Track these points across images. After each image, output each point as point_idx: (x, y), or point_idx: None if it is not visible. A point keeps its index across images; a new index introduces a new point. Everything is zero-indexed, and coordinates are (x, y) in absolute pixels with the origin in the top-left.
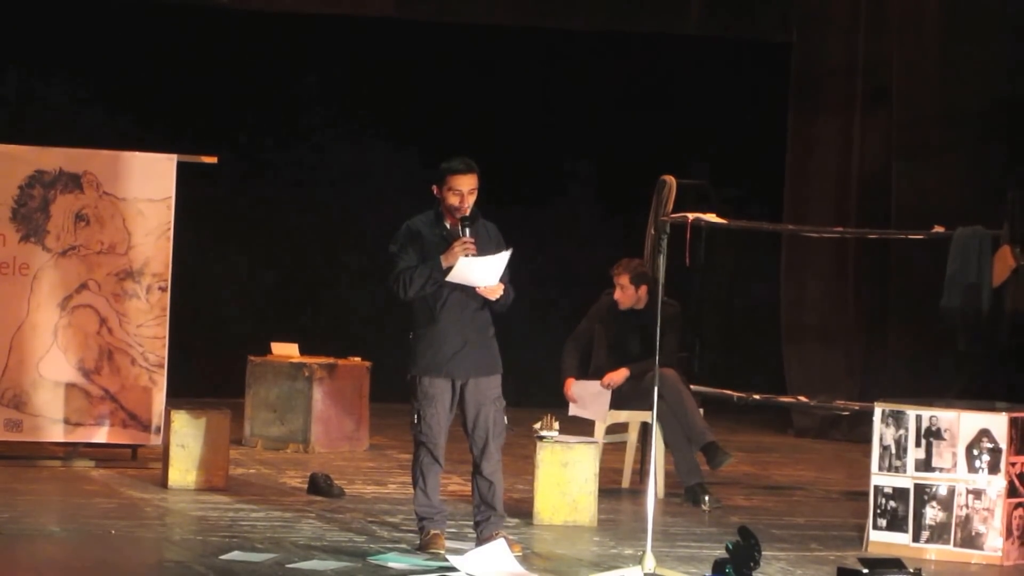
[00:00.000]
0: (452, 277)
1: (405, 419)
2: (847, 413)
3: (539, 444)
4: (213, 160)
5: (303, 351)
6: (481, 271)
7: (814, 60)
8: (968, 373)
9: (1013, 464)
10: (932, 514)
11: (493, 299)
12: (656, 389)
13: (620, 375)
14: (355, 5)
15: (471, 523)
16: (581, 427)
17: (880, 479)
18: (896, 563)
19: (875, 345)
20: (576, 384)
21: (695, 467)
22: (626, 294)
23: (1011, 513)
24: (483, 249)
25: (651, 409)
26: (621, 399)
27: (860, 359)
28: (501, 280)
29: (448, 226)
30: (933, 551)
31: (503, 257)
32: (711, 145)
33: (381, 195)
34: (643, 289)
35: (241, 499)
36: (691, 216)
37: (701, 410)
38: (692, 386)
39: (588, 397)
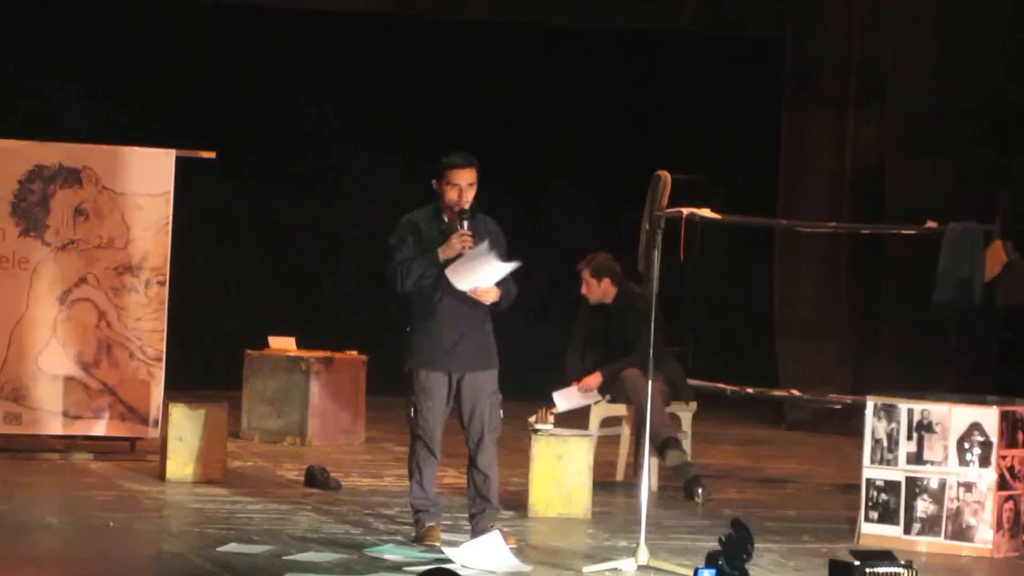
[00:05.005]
0: (450, 273)
1: (401, 412)
2: (839, 407)
3: (534, 437)
4: (211, 155)
5: (300, 345)
6: (481, 271)
7: (808, 57)
8: (960, 367)
9: (1004, 457)
10: (923, 507)
11: (488, 303)
12: (650, 383)
13: (595, 380)
14: (355, 0)
15: (466, 515)
16: (576, 421)
17: (872, 472)
18: (887, 555)
19: (867, 339)
20: (557, 395)
21: (685, 462)
22: (590, 288)
23: (1001, 506)
24: (481, 243)
25: (649, 403)
26: (615, 393)
27: (852, 353)
28: (502, 282)
29: (447, 220)
30: (924, 543)
31: (507, 267)
32: (706, 141)
33: (379, 189)
34: (605, 282)
35: (238, 491)
36: (686, 211)
37: (694, 404)
38: (687, 380)
39: (569, 401)
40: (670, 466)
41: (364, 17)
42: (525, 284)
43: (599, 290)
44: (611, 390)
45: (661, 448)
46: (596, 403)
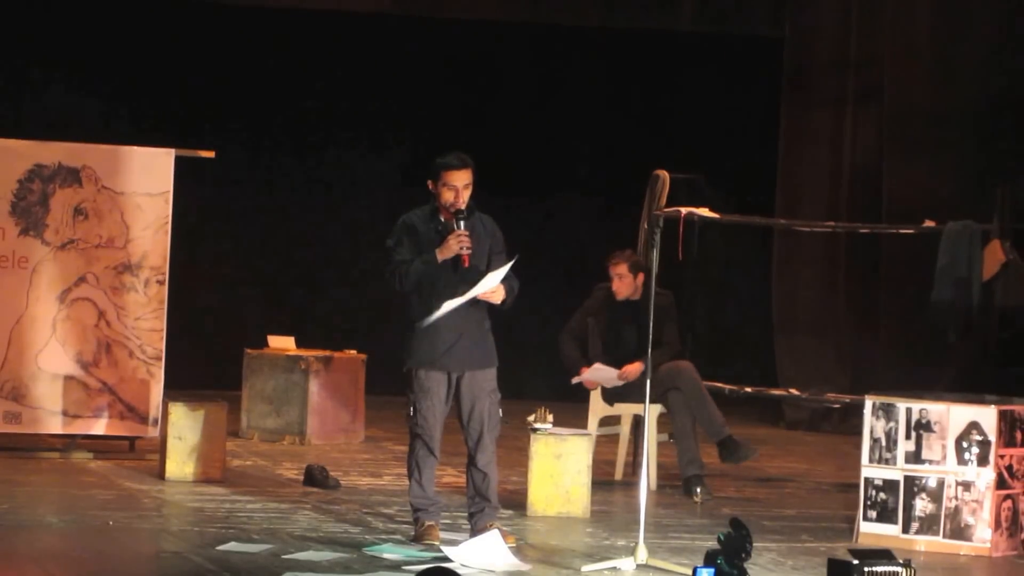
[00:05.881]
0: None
1: (401, 411)
2: (838, 406)
3: (533, 436)
4: (211, 155)
5: (299, 344)
6: (483, 285)
7: (806, 55)
8: (958, 366)
9: (1002, 456)
10: (922, 506)
11: (497, 303)
12: (648, 382)
13: (636, 369)
14: (353, 0)
15: (465, 514)
16: (574, 420)
17: (870, 471)
18: (886, 554)
19: (866, 338)
20: (597, 366)
21: (697, 459)
22: (624, 283)
23: (999, 505)
24: (478, 243)
25: (652, 401)
26: (625, 392)
27: (851, 352)
28: (505, 278)
29: (443, 220)
30: (923, 542)
31: (504, 268)
32: (704, 140)
33: (377, 189)
34: (640, 277)
35: (238, 491)
36: (684, 210)
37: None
38: None
39: (602, 375)
40: (738, 464)
41: (364, 17)
42: (524, 283)
43: (632, 285)
44: (642, 383)
45: (725, 446)
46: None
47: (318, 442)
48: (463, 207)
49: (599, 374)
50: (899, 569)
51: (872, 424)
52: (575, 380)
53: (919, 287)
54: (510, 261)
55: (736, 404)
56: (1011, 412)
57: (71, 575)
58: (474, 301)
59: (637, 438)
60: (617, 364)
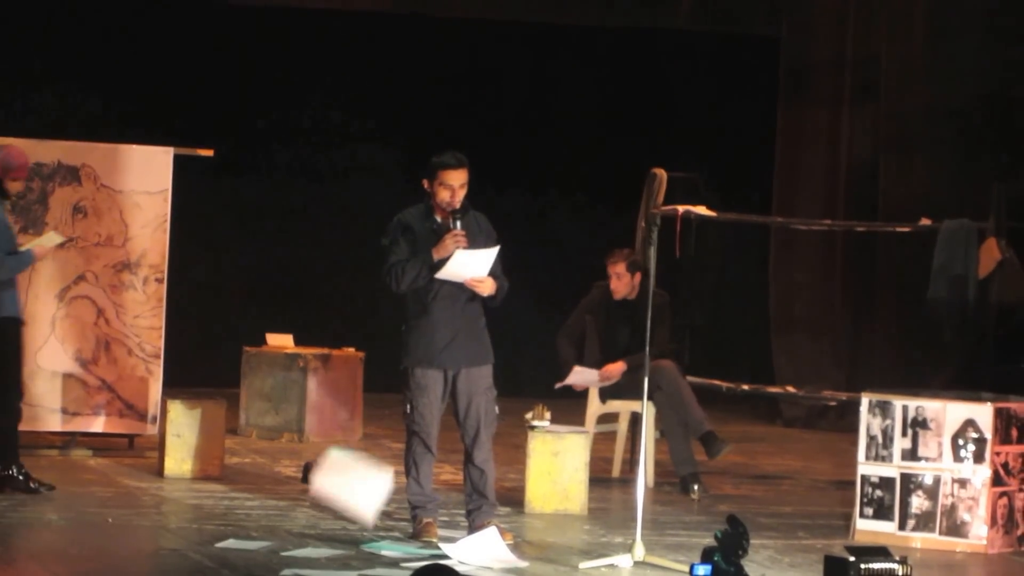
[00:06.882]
0: (443, 275)
1: (398, 409)
2: (834, 403)
3: (530, 433)
4: (209, 153)
5: (298, 342)
6: (471, 266)
7: (803, 54)
8: (954, 364)
9: (998, 454)
10: (918, 503)
11: (485, 295)
12: (647, 380)
13: (617, 368)
14: (353, 0)
15: (463, 511)
16: (572, 417)
17: (867, 468)
18: (882, 551)
19: (862, 336)
20: (578, 368)
21: (690, 457)
22: (622, 282)
23: (995, 502)
24: (474, 241)
25: (644, 399)
26: (617, 390)
27: (847, 350)
28: (493, 274)
29: (439, 219)
30: (919, 539)
31: (492, 252)
32: (701, 138)
33: (375, 187)
34: (637, 276)
35: (236, 488)
36: (681, 209)
37: None
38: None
39: (583, 377)
40: (715, 458)
41: (363, 16)
42: (520, 282)
43: (630, 284)
44: (627, 382)
45: (706, 441)
46: (604, 402)
47: (316, 439)
48: (458, 206)
49: (581, 377)
50: (895, 566)
51: (868, 421)
52: (558, 385)
53: (915, 285)
54: (494, 248)
55: (733, 402)
56: (1007, 410)
57: (71, 572)
58: (471, 298)
59: (634, 435)
60: (610, 363)
